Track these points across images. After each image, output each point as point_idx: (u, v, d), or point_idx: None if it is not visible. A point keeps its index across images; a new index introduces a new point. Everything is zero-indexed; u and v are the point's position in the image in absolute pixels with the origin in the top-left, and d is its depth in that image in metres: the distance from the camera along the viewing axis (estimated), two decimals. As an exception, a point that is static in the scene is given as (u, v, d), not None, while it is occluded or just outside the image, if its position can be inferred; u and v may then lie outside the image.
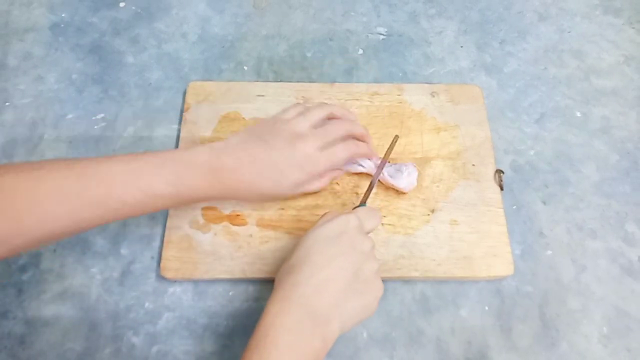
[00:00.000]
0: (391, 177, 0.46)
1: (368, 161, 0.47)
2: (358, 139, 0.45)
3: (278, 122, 0.42)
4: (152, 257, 0.46)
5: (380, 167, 0.45)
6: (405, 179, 0.46)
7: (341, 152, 0.42)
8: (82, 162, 0.35)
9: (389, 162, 0.47)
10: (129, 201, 0.35)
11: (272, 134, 0.41)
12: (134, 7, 0.62)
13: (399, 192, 0.48)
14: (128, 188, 0.34)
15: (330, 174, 0.45)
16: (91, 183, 0.34)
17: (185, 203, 0.38)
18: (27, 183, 0.32)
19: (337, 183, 0.48)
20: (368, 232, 0.39)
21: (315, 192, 0.46)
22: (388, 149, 0.46)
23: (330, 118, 0.45)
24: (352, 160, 0.46)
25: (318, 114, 0.43)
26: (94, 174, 0.34)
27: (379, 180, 0.47)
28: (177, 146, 0.51)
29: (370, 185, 0.44)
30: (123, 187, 0.34)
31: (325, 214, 0.39)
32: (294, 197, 0.46)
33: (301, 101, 0.53)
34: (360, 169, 0.47)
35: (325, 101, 0.53)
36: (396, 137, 0.47)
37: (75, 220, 0.34)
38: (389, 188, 0.48)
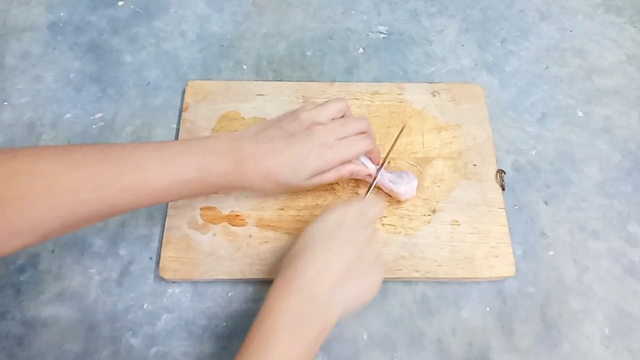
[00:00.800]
0: (391, 182, 0.45)
1: (370, 162, 0.46)
2: None
3: (297, 112, 0.42)
4: (151, 258, 0.46)
5: (385, 158, 0.45)
6: (405, 185, 0.45)
7: (361, 143, 0.42)
8: (115, 149, 0.35)
9: (389, 161, 0.47)
10: (160, 187, 0.35)
11: (291, 122, 0.41)
12: (132, 6, 0.61)
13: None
14: (159, 174, 0.35)
15: (348, 166, 0.43)
16: (126, 169, 0.34)
17: (210, 190, 0.39)
18: (64, 168, 0.32)
19: (338, 183, 0.48)
20: (372, 220, 0.39)
21: (325, 185, 0.45)
22: (395, 139, 0.46)
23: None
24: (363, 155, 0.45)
25: (337, 106, 0.43)
26: (128, 160, 0.35)
27: (377, 187, 0.46)
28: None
29: (374, 178, 0.44)
30: (155, 173, 0.35)
31: (327, 206, 0.40)
32: (307, 188, 0.43)
33: (301, 100, 0.53)
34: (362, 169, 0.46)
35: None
36: (403, 127, 0.47)
37: (110, 205, 0.34)
38: (389, 188, 0.48)
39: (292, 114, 0.42)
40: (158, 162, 0.35)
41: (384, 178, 0.45)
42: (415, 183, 0.46)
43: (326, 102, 0.43)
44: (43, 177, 0.32)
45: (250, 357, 0.32)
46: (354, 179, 0.48)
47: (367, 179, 0.45)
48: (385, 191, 0.46)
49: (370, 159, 0.45)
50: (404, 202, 0.47)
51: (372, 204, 0.40)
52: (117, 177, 0.34)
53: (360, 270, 0.36)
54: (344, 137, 0.41)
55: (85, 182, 0.33)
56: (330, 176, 0.42)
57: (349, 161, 0.42)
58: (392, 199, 0.47)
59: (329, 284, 0.34)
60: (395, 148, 0.46)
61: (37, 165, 0.32)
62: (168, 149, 0.37)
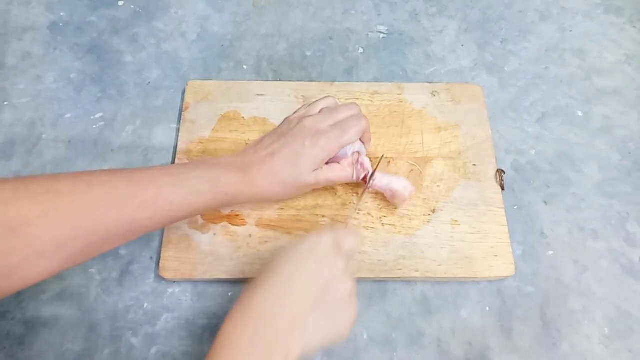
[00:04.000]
0: (388, 181, 0.45)
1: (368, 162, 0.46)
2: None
3: (287, 117, 0.44)
4: (151, 258, 0.46)
5: (375, 168, 0.45)
6: (403, 180, 0.45)
7: (356, 124, 0.42)
8: (125, 170, 0.36)
9: (388, 161, 0.46)
10: (176, 201, 0.36)
11: (282, 126, 0.43)
12: (132, 6, 0.61)
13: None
14: (174, 188, 0.36)
15: (352, 163, 0.43)
16: (140, 186, 0.35)
17: (224, 201, 0.39)
18: (82, 187, 0.33)
19: (340, 185, 0.48)
20: (349, 252, 0.36)
21: (339, 184, 0.44)
22: (377, 164, 0.46)
23: None
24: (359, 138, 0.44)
25: (324, 102, 0.44)
26: (142, 178, 0.35)
27: (376, 192, 0.46)
28: (175, 146, 0.51)
29: (367, 183, 0.44)
30: (170, 188, 0.36)
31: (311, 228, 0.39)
32: (315, 185, 0.42)
33: (301, 100, 0.53)
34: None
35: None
36: (382, 156, 0.48)
37: (127, 222, 0.34)
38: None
39: (283, 121, 0.43)
40: (170, 178, 0.36)
41: (382, 179, 0.44)
42: (409, 184, 0.45)
43: (315, 101, 0.44)
44: (62, 196, 0.32)
45: None
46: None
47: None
48: (384, 192, 0.46)
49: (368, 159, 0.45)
50: (404, 202, 0.46)
51: (349, 234, 0.37)
52: (133, 193, 0.34)
53: (329, 306, 0.33)
54: (336, 123, 0.42)
55: (103, 199, 0.33)
56: (335, 173, 0.42)
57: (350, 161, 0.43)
58: (390, 202, 0.47)
59: (290, 318, 0.31)
60: (395, 148, 0.46)
61: (55, 186, 0.32)
62: (177, 168, 0.38)
